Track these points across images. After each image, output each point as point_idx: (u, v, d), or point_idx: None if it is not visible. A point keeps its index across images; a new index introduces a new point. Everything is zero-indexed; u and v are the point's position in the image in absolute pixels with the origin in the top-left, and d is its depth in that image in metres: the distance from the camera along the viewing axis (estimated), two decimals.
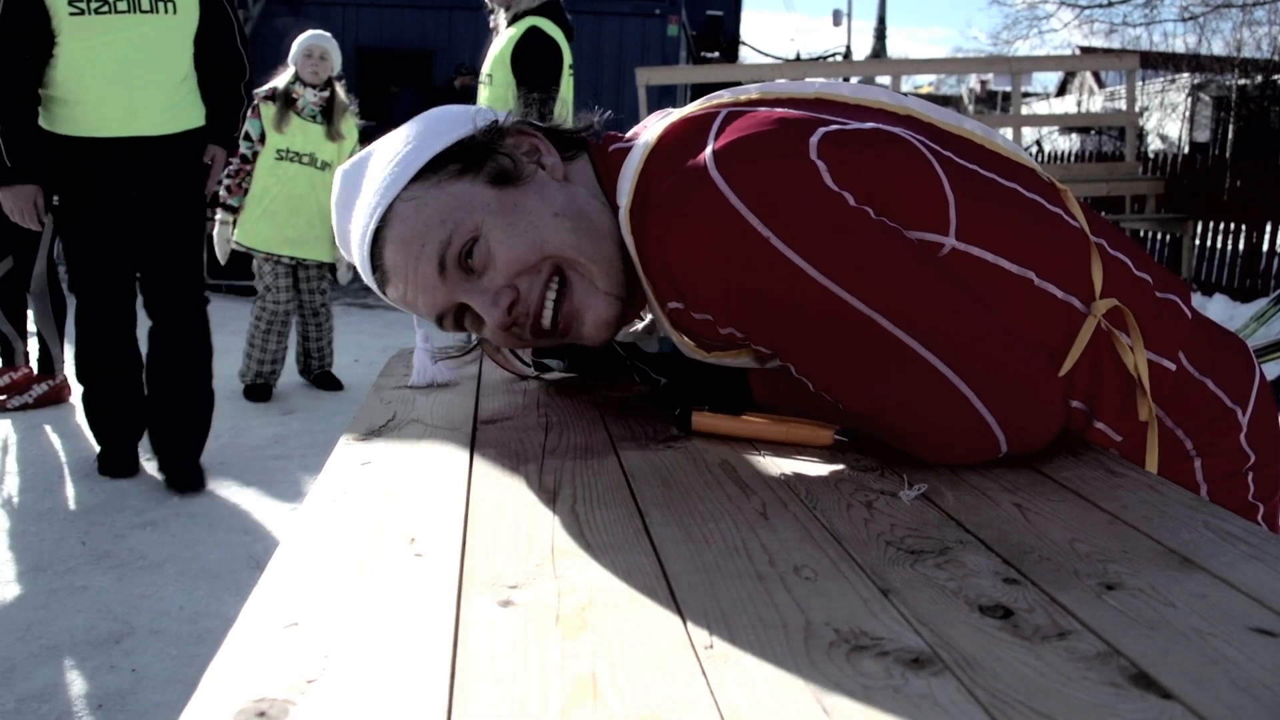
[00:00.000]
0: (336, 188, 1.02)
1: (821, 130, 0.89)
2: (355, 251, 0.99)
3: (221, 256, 4.72)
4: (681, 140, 0.92)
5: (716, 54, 14.67)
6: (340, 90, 4.70)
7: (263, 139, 4.56)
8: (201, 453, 3.51)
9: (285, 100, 4.57)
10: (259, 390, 4.74)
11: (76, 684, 2.22)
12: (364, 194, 0.97)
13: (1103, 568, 0.66)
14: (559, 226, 0.95)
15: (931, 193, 0.89)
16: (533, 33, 3.88)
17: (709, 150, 0.88)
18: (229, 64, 3.36)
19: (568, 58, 3.99)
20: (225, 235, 4.70)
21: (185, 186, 3.32)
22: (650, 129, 0.98)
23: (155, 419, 3.45)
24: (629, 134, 1.06)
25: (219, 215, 4.64)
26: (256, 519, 3.21)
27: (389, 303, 1.01)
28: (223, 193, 4.55)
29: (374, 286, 1.00)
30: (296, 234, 4.61)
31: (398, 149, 0.97)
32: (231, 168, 4.54)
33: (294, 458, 3.83)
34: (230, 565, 2.86)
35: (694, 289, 0.89)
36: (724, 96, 1.00)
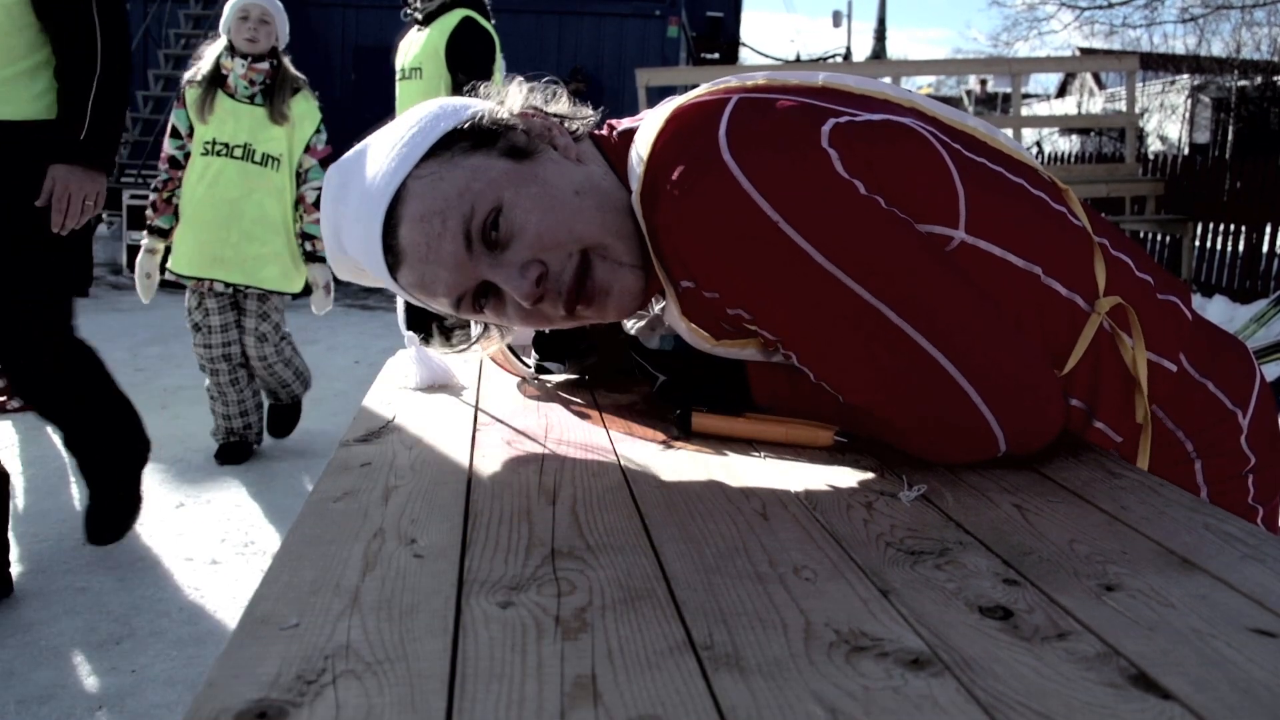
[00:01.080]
0: (330, 183, 0.98)
1: (833, 120, 0.89)
2: (360, 236, 0.94)
3: (143, 293, 3.59)
4: (693, 123, 0.91)
5: (716, 55, 14.67)
6: (290, 65, 3.63)
7: (192, 133, 3.53)
8: (113, 500, 2.79)
9: (211, 79, 3.50)
10: (232, 450, 3.75)
11: (77, 685, 2.22)
12: (365, 180, 0.94)
13: (1102, 569, 0.66)
14: (583, 205, 0.93)
15: (942, 185, 0.89)
16: (468, 23, 3.81)
17: (722, 134, 0.87)
18: (72, 38, 2.35)
19: (499, 54, 3.93)
20: (148, 267, 3.55)
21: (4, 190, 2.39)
22: (658, 111, 0.98)
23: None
24: (631, 119, 1.05)
25: (144, 240, 3.57)
26: (257, 520, 3.21)
27: (394, 295, 0.98)
28: (148, 211, 3.56)
29: (382, 274, 0.95)
30: (230, 252, 3.49)
31: (401, 134, 0.95)
32: (160, 177, 3.56)
33: (294, 459, 3.83)
34: (230, 566, 2.86)
35: (703, 268, 0.89)
36: (732, 82, 0.99)
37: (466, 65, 3.76)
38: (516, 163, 0.93)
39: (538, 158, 0.95)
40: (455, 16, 3.83)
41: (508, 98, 1.00)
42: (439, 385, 1.20)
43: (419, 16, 3.93)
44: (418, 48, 3.92)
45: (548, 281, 0.93)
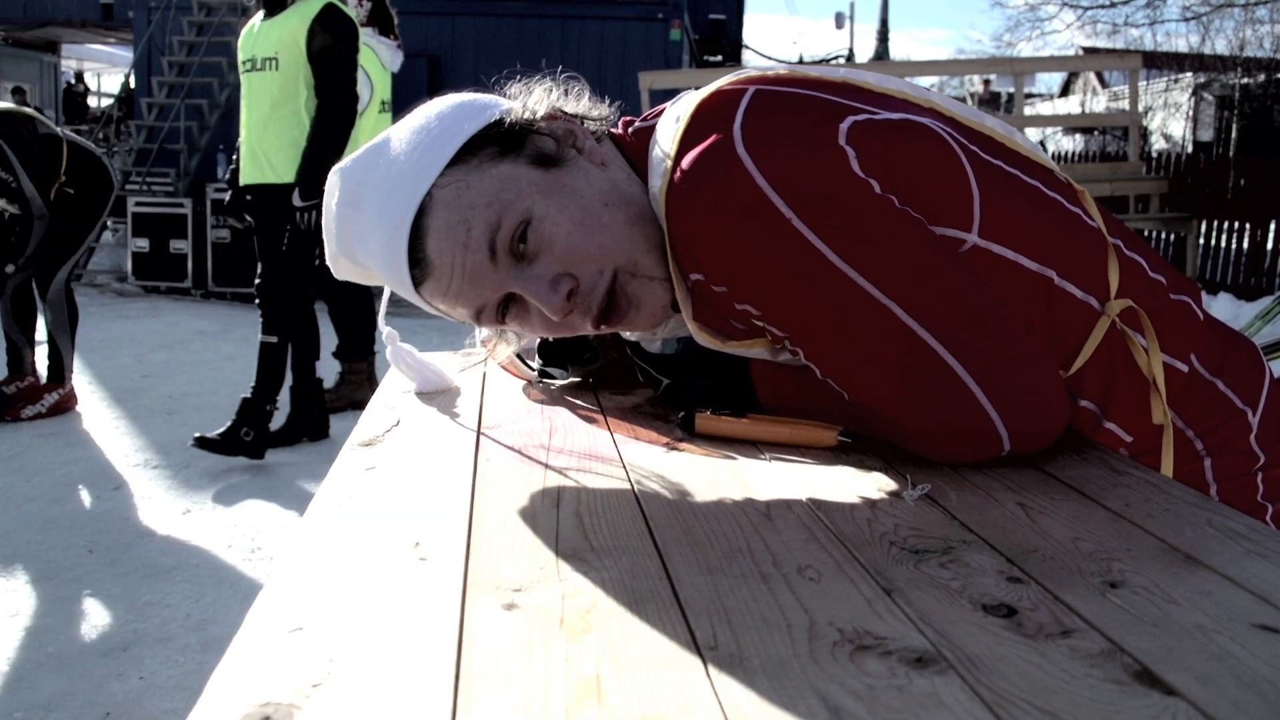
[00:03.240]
0: (337, 186, 0.95)
1: (851, 118, 0.88)
2: (381, 247, 0.91)
3: None
4: (710, 115, 0.90)
5: (719, 57, 14.68)
6: None
7: None
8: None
9: None
10: None
11: (84, 692, 2.22)
12: (387, 185, 0.90)
13: (1106, 566, 0.66)
14: (613, 219, 0.91)
15: (957, 187, 0.89)
16: (330, 10, 3.59)
17: (737, 127, 0.86)
18: None
19: (362, 42, 3.73)
20: None
21: None
22: (679, 105, 0.96)
23: None
24: (647, 114, 1.04)
25: None
26: (263, 525, 3.21)
27: (421, 305, 0.94)
28: None
29: (405, 288, 0.92)
30: None
31: (421, 137, 0.91)
32: None
33: (300, 464, 3.84)
34: (237, 572, 2.86)
35: (712, 262, 0.88)
36: (751, 72, 0.97)
37: (326, 59, 3.57)
38: (545, 171, 0.91)
39: (566, 166, 0.92)
40: (316, 3, 3.59)
41: (530, 98, 0.97)
42: (443, 389, 1.20)
43: (261, 3, 3.69)
44: (272, 36, 3.65)
45: (578, 297, 0.91)
